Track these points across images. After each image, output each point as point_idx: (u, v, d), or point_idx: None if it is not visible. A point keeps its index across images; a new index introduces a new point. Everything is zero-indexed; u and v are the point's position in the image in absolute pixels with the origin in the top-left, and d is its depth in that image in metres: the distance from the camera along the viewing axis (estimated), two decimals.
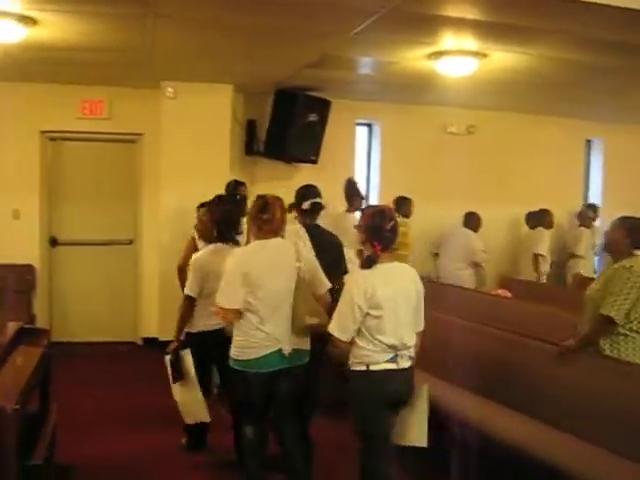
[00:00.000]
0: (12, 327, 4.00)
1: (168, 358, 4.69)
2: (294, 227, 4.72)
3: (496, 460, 3.91)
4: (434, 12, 4.80)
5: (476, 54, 5.99)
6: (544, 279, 8.63)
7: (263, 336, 3.77)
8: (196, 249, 5.23)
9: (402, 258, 7.53)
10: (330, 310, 3.76)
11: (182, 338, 4.72)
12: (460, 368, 4.75)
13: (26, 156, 7.64)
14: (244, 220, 4.97)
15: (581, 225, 9.03)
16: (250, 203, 4.26)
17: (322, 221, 4.92)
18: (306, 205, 4.72)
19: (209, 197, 5.45)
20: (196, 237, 5.53)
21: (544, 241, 8.63)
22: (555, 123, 9.18)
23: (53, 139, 7.90)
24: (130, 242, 8.22)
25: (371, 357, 3.53)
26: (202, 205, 5.53)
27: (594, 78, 6.78)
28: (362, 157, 9.17)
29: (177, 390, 4.71)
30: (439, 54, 6.01)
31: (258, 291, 3.76)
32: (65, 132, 7.85)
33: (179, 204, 7.30)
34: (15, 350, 3.73)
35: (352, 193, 7.41)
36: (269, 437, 4.17)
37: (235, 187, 7.03)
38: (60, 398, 4.21)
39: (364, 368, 3.54)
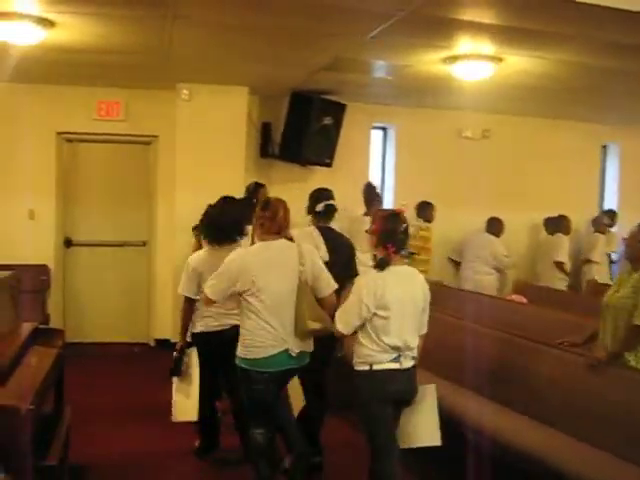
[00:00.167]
0: (27, 327, 4.02)
1: (174, 354, 4.76)
2: (308, 229, 4.72)
3: (510, 467, 3.88)
4: (451, 15, 4.79)
5: (492, 58, 5.97)
6: (564, 286, 8.60)
7: (269, 336, 3.78)
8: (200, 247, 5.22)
9: (424, 263, 7.67)
10: (335, 311, 3.79)
11: (188, 338, 4.76)
12: (475, 374, 4.73)
13: (42, 157, 7.69)
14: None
15: (596, 231, 8.98)
16: None
17: (338, 224, 4.93)
18: (320, 207, 4.74)
19: None
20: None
21: (564, 247, 8.59)
22: (571, 128, 9.13)
23: (69, 140, 7.95)
24: (144, 244, 8.24)
25: (374, 357, 3.58)
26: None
27: (611, 82, 6.74)
28: (377, 161, 9.15)
29: (175, 386, 4.76)
30: (455, 58, 6.00)
31: (261, 293, 3.77)
32: (81, 133, 7.89)
33: (193, 206, 7.23)
34: (29, 350, 3.75)
35: (371, 197, 7.41)
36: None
37: (255, 189, 7.01)
38: (73, 399, 4.23)
39: (367, 368, 3.60)
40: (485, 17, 4.90)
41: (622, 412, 3.82)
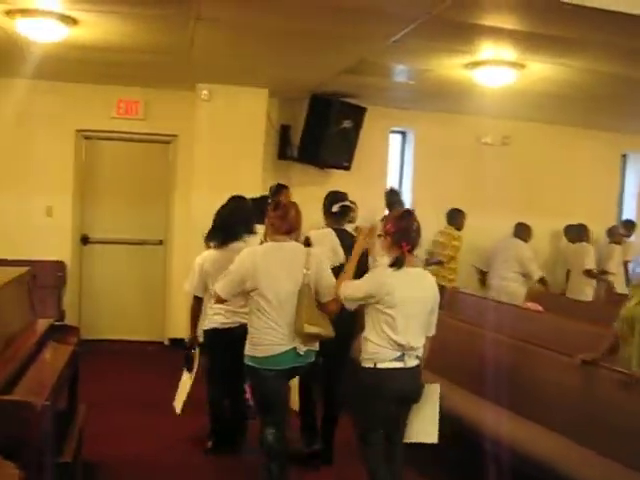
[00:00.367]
0: (43, 324, 4.03)
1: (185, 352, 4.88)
2: (325, 231, 4.74)
3: (528, 478, 3.84)
4: (475, 20, 4.75)
5: (514, 65, 5.92)
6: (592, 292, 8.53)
7: (276, 335, 3.81)
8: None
9: (452, 271, 7.74)
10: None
11: (200, 338, 4.84)
12: (491, 382, 4.68)
13: (61, 154, 7.72)
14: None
15: (611, 242, 8.88)
16: None
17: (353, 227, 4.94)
18: (335, 208, 4.78)
19: None
20: None
21: (590, 255, 8.49)
22: (591, 136, 9.07)
23: (88, 138, 7.97)
24: (160, 242, 8.26)
25: (379, 354, 3.63)
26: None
27: (634, 91, 6.67)
28: (395, 165, 9.12)
29: (183, 380, 4.88)
30: (476, 64, 5.96)
31: (267, 292, 3.80)
32: (100, 131, 7.92)
33: (210, 206, 7.27)
34: (45, 347, 3.76)
35: (393, 201, 7.41)
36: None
37: (278, 190, 6.99)
38: (86, 395, 4.23)
39: (372, 365, 3.65)
40: (509, 23, 4.86)
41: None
